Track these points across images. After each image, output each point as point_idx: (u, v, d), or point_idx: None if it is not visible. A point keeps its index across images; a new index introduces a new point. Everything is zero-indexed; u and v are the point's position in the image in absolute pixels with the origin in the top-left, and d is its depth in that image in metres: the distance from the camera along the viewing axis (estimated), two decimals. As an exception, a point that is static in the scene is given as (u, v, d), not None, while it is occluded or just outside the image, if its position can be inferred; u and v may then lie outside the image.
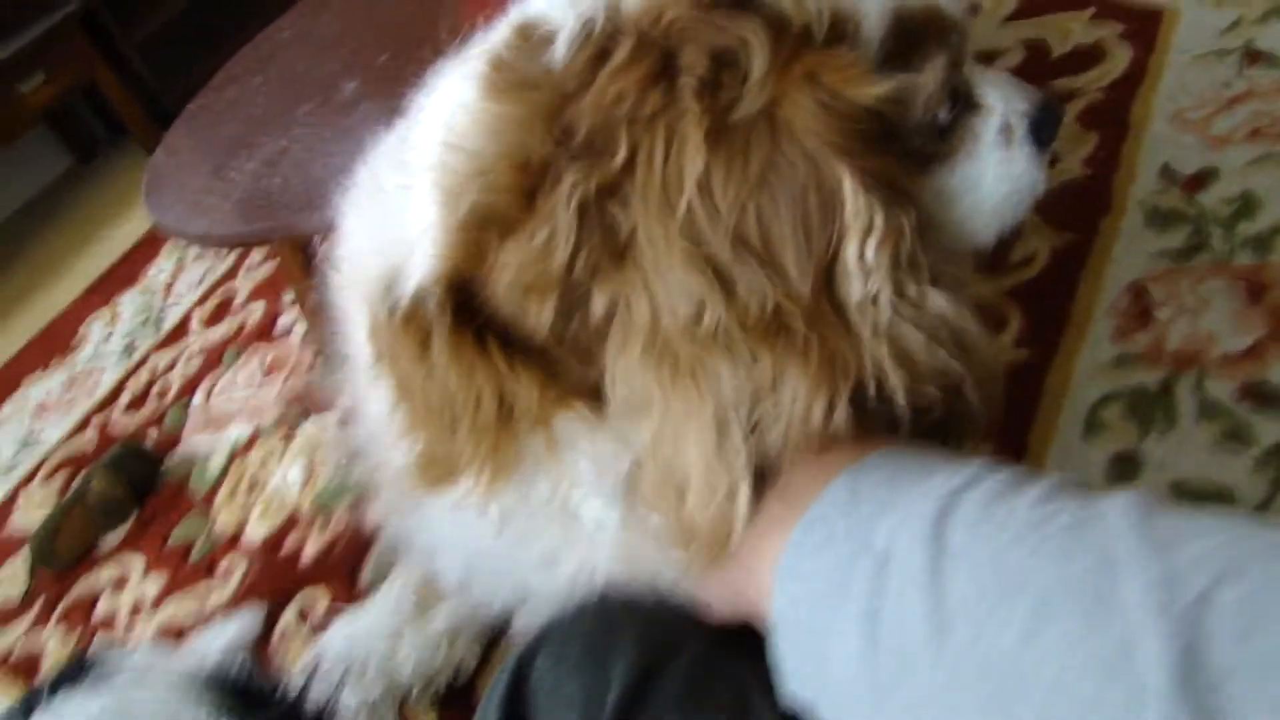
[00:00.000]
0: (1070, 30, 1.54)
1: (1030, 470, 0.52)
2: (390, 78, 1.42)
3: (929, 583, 0.47)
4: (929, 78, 0.61)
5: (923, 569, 0.47)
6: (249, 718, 0.95)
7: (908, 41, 0.61)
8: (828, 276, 0.57)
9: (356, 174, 0.72)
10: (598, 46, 0.58)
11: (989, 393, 0.62)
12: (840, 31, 0.58)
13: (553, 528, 0.70)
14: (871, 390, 0.58)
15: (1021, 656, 0.43)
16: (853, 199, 0.56)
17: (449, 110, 0.62)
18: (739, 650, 0.68)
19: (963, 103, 0.65)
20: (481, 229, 0.60)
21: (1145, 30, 1.47)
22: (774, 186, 0.55)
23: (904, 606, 0.48)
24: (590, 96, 0.57)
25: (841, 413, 0.57)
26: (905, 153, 0.61)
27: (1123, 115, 1.36)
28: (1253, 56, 1.37)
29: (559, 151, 0.57)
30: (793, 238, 0.56)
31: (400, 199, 0.65)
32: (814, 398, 0.57)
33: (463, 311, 0.62)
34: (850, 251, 0.56)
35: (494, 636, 1.15)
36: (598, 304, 0.58)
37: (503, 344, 0.62)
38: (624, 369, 0.58)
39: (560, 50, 0.59)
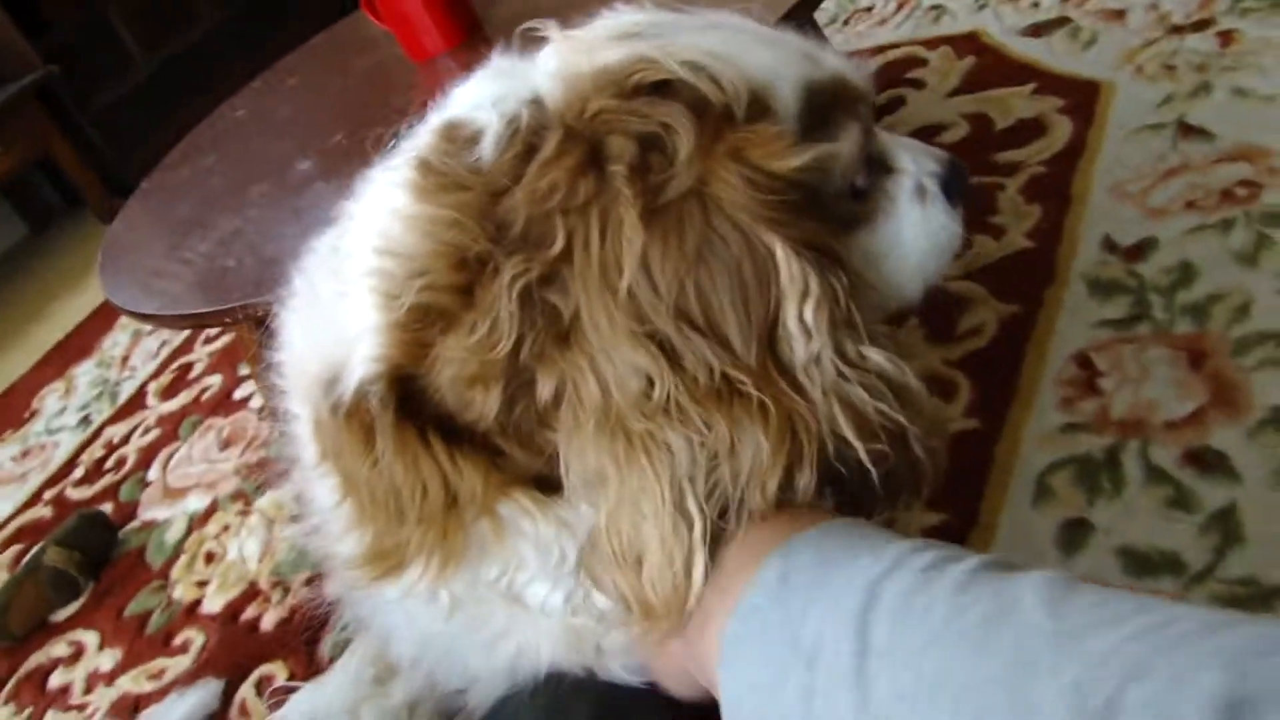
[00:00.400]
0: (1012, 105, 1.59)
1: (952, 551, 0.53)
2: (343, 158, 1.44)
3: (854, 683, 0.48)
4: (845, 145, 0.64)
5: (848, 668, 0.48)
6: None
7: (821, 113, 0.64)
8: (771, 342, 0.59)
9: (292, 282, 0.73)
10: (525, 142, 0.61)
11: (934, 446, 0.64)
12: (759, 108, 0.61)
13: (498, 614, 0.71)
14: (830, 449, 0.59)
15: None
16: (786, 266, 0.58)
17: (380, 216, 0.64)
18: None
19: (877, 167, 0.69)
20: (422, 326, 0.62)
21: (1084, 105, 1.52)
22: (709, 261, 0.58)
23: (833, 708, 0.49)
24: (522, 190, 0.59)
25: (806, 475, 0.59)
26: (829, 218, 0.64)
27: (1064, 188, 1.40)
28: (1185, 130, 1.41)
29: (494, 247, 0.59)
30: (732, 309, 0.58)
31: (337, 305, 0.67)
32: (777, 456, 0.58)
33: (405, 406, 0.64)
34: (790, 316, 0.59)
35: (453, 711, 1.15)
36: (544, 389, 0.60)
37: (444, 436, 0.64)
38: (577, 449, 0.60)
39: (487, 149, 0.62)
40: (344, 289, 0.67)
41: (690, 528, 0.58)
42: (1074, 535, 1.03)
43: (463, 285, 0.60)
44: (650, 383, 0.57)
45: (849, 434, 0.59)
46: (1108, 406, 1.13)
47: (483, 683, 0.77)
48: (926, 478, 0.65)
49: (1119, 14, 1.65)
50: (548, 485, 0.66)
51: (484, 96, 0.65)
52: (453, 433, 0.64)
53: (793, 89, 0.63)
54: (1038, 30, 1.70)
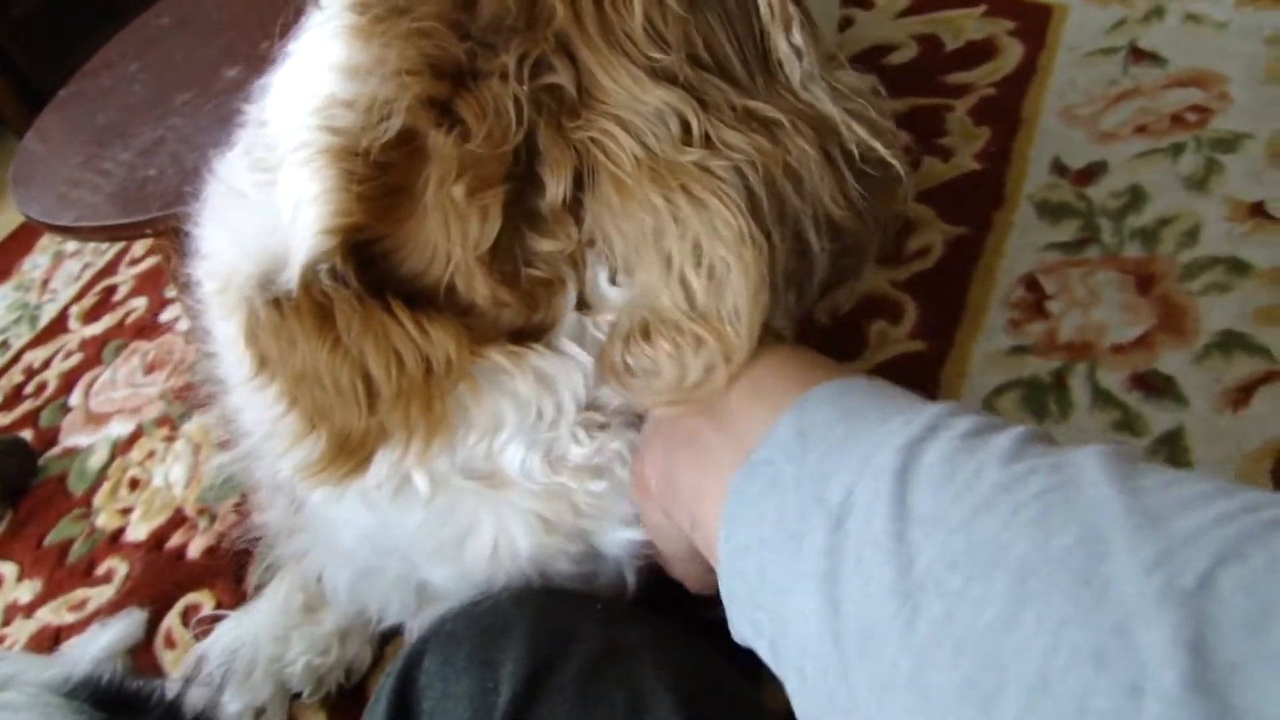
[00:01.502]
0: (962, 27, 1.55)
1: (993, 419, 0.49)
2: (273, 65, 1.37)
3: (893, 548, 0.43)
4: None
5: (884, 531, 0.44)
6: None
7: None
8: (769, 71, 0.61)
9: (206, 193, 0.69)
10: None
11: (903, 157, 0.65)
12: None
13: (466, 502, 0.68)
14: (856, 152, 0.61)
15: (1000, 642, 0.39)
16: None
17: (311, 79, 0.60)
18: (635, 642, 0.66)
19: None
20: (385, 170, 0.58)
21: (1035, 27, 1.49)
22: (700, 7, 0.58)
23: (866, 572, 0.44)
24: None
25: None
26: None
27: (1014, 111, 1.38)
28: (1137, 54, 1.39)
29: (476, 47, 0.57)
30: (730, 45, 0.59)
31: (264, 194, 0.62)
32: (827, 165, 0.60)
33: (362, 276, 0.60)
34: (780, 41, 0.60)
35: (386, 635, 1.12)
36: (557, 183, 0.58)
37: (405, 302, 0.60)
38: (628, 213, 0.58)
39: None
40: (270, 176, 0.62)
41: (769, 237, 0.58)
42: (1020, 458, 1.01)
43: (443, 98, 0.57)
44: (685, 122, 0.57)
45: (864, 134, 0.61)
46: (1055, 329, 1.11)
47: (439, 604, 0.73)
48: (906, 189, 0.65)
49: (1072, -64, 1.62)
50: (521, 339, 0.64)
51: None
52: (412, 300, 0.61)
53: None
54: (990, -49, 1.66)
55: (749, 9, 0.60)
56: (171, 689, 0.97)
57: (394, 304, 0.60)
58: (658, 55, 0.57)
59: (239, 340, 0.65)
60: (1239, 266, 1.09)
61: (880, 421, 0.49)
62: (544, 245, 0.60)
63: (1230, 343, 1.03)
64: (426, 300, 0.61)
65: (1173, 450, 0.97)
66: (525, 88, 0.56)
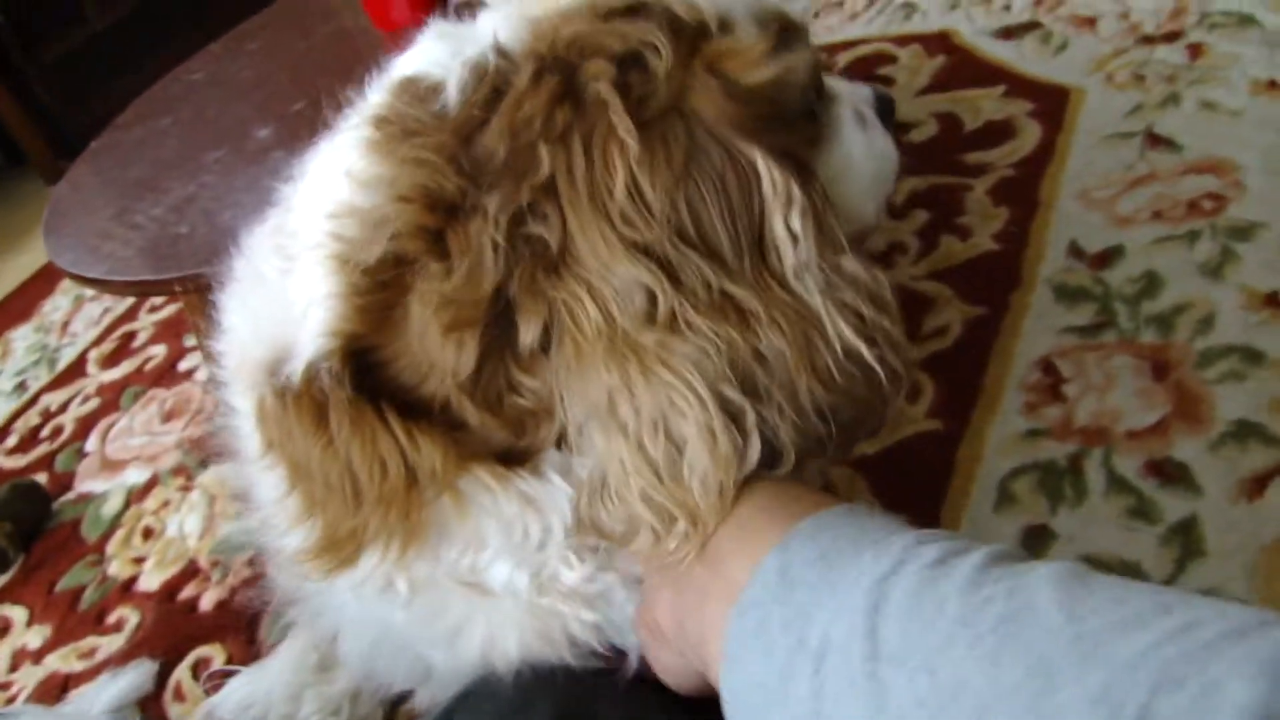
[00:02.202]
0: (982, 107, 1.58)
1: (957, 543, 0.51)
2: (305, 126, 1.39)
3: (866, 687, 0.46)
4: (803, 58, 0.64)
5: (859, 671, 0.47)
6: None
7: (773, 38, 0.64)
8: (761, 252, 0.59)
9: (234, 267, 0.71)
10: (492, 85, 0.59)
11: (906, 356, 0.64)
12: (726, 28, 0.63)
13: (456, 602, 0.68)
14: (839, 350, 0.59)
15: None
16: (767, 175, 0.59)
17: (331, 181, 0.62)
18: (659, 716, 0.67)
19: (823, 93, 0.70)
20: (382, 288, 0.60)
21: (1053, 110, 1.52)
22: (696, 176, 0.57)
23: (844, 713, 0.47)
24: (497, 124, 0.58)
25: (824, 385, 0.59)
26: (795, 136, 0.64)
27: (1032, 192, 1.40)
28: (1153, 140, 1.42)
29: (469, 184, 0.57)
30: (721, 221, 0.58)
31: (281, 283, 0.64)
32: (801, 361, 0.58)
33: (359, 381, 0.61)
34: (777, 224, 0.59)
35: (397, 698, 1.12)
36: (529, 331, 0.58)
37: (400, 412, 0.61)
38: (581, 380, 0.58)
39: (451, 97, 0.60)
40: (289, 265, 0.64)
41: (739, 415, 0.57)
42: (1036, 542, 1.02)
43: (435, 229, 0.58)
44: (653, 299, 0.56)
45: (849, 336, 0.59)
46: (1071, 413, 1.12)
47: (443, 680, 0.74)
48: (902, 387, 0.64)
49: (1090, 21, 1.65)
50: (509, 460, 0.64)
51: (438, 53, 0.63)
52: (408, 409, 0.62)
53: (746, 15, 0.64)
54: (1009, 33, 1.70)
55: (749, 184, 0.59)
56: None
57: (388, 411, 0.60)
58: (639, 225, 0.56)
59: (253, 417, 0.67)
60: (1254, 356, 1.10)
61: (854, 557, 0.52)
62: (524, 380, 0.60)
63: (1245, 432, 1.04)
64: (422, 411, 0.62)
65: (1186, 539, 0.98)
66: (502, 235, 0.56)
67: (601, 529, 0.60)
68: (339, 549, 0.65)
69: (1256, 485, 1.00)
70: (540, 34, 0.60)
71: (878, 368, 0.60)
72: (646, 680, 0.74)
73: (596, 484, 0.59)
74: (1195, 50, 1.52)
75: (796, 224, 0.59)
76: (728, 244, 0.58)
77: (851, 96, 0.73)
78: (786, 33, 0.66)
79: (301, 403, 0.62)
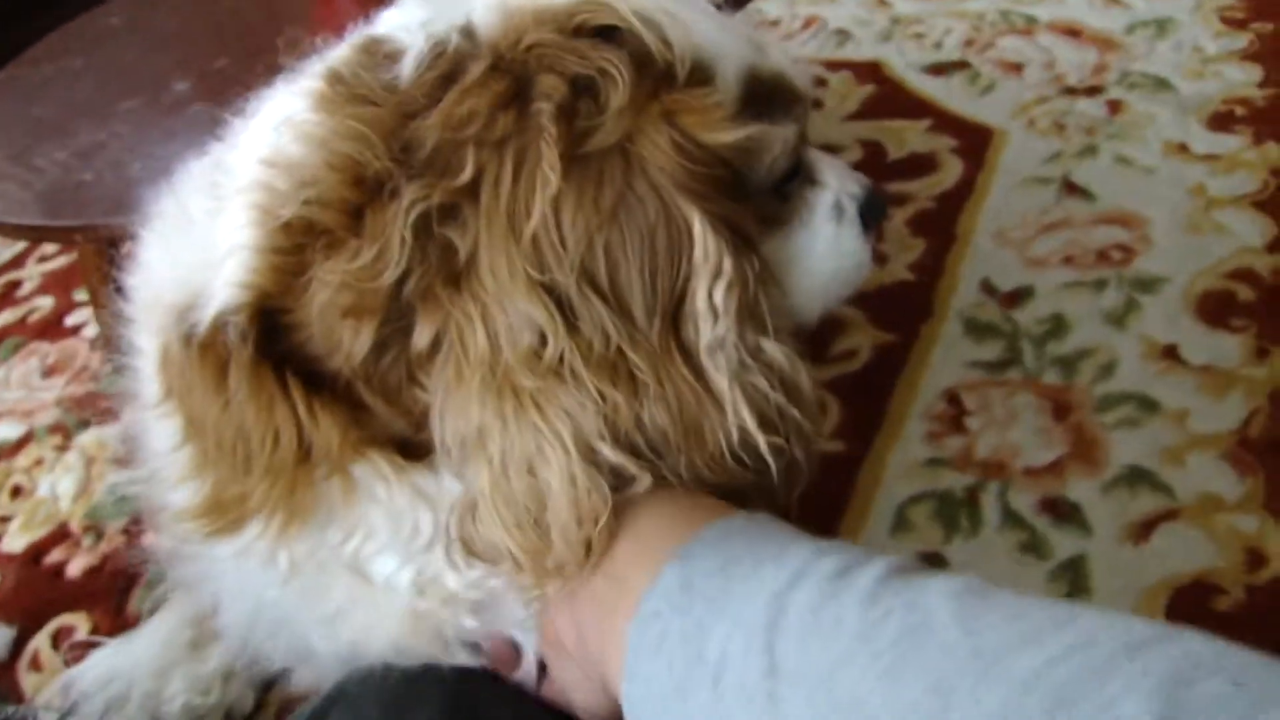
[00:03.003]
0: (906, 138, 1.60)
1: (856, 555, 0.51)
2: (226, 83, 1.35)
3: (764, 707, 0.46)
4: (780, 133, 0.62)
5: (757, 688, 0.46)
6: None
7: (758, 102, 0.62)
8: (675, 319, 0.57)
9: (159, 202, 0.67)
10: (448, 66, 0.57)
11: (813, 449, 0.63)
12: (700, 78, 0.59)
13: (339, 585, 0.66)
14: (735, 437, 0.57)
15: None
16: (702, 241, 0.56)
17: (273, 127, 0.59)
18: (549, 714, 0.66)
19: (802, 174, 0.67)
20: (299, 249, 0.57)
21: (976, 148, 1.54)
22: (623, 222, 0.55)
23: None
24: (437, 114, 0.55)
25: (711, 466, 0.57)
26: (749, 208, 0.62)
27: (950, 226, 1.42)
28: (1070, 187, 1.45)
29: (397, 168, 0.55)
30: (639, 276, 0.55)
31: (207, 224, 0.61)
32: (686, 441, 0.56)
33: (266, 342, 0.59)
34: (700, 294, 0.56)
35: (270, 679, 1.08)
36: (421, 336, 0.56)
37: (305, 383, 0.59)
38: (456, 404, 0.56)
39: (407, 68, 0.58)
40: (218, 205, 0.61)
41: (617, 471, 0.56)
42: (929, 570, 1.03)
43: (354, 204, 0.56)
44: (543, 340, 0.54)
45: (750, 425, 0.57)
46: (972, 446, 1.14)
47: (322, 661, 0.72)
48: (802, 480, 0.63)
49: (1017, 67, 1.69)
50: (409, 450, 0.62)
51: (412, 18, 0.60)
52: (314, 380, 0.60)
53: (736, 70, 0.61)
54: (939, 70, 1.72)
55: (679, 246, 0.56)
56: (43, 718, 0.92)
57: (291, 380, 0.59)
58: (548, 259, 0.54)
59: (154, 361, 0.64)
60: (1150, 404, 1.14)
61: (754, 569, 0.51)
62: (422, 378, 0.58)
63: (1136, 478, 1.07)
64: (326, 385, 0.60)
65: (1075, 576, 1.00)
66: (409, 231, 0.54)
67: (470, 548, 0.58)
68: (223, 513, 0.62)
69: (1144, 529, 1.03)
70: (508, 30, 0.58)
71: (771, 460, 0.58)
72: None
73: (468, 505, 0.57)
74: (1114, 106, 1.57)
75: (719, 298, 0.56)
76: (641, 302, 0.56)
77: (839, 185, 0.69)
78: (778, 99, 0.63)
79: (205, 355, 0.59)
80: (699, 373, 0.57)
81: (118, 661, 1.09)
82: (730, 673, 0.48)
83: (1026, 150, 1.53)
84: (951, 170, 1.52)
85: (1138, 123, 1.52)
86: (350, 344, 0.57)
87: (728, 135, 0.58)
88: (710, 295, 0.56)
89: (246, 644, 0.83)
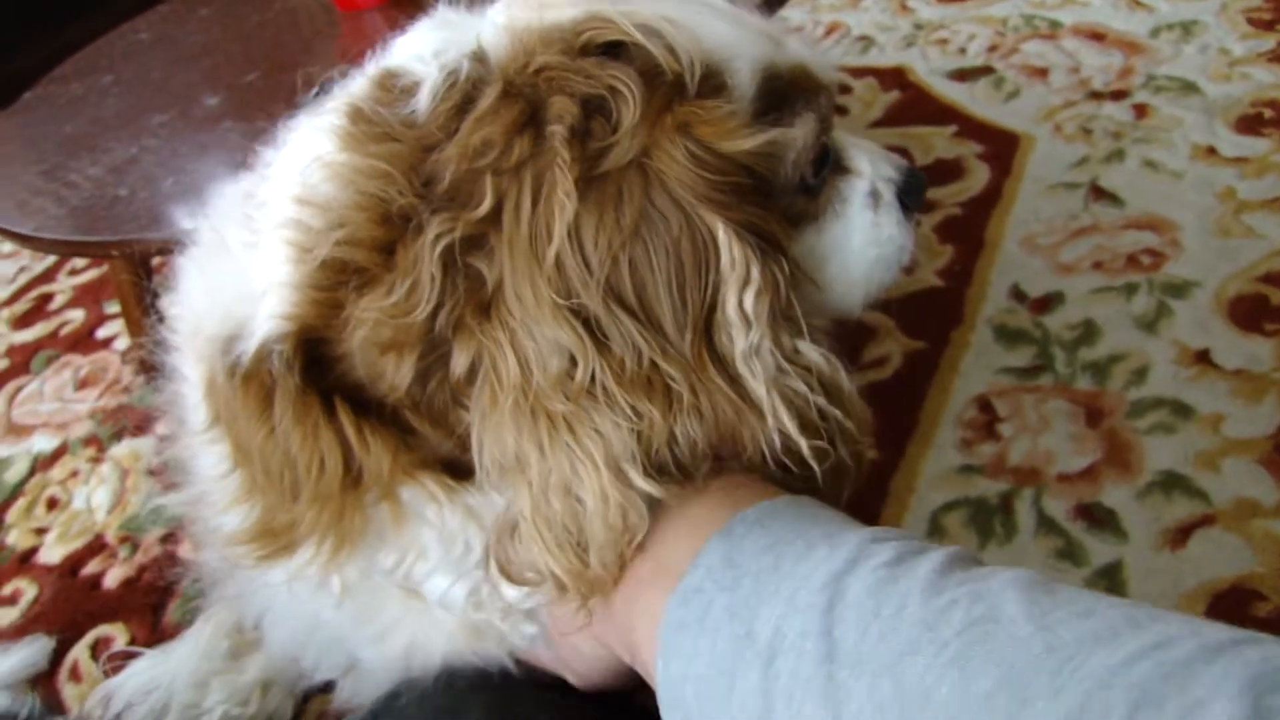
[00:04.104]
0: (933, 144, 1.60)
1: (912, 543, 0.50)
2: (256, 98, 1.36)
3: (823, 690, 0.45)
4: (799, 134, 0.61)
5: (815, 673, 0.45)
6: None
7: (778, 98, 0.61)
8: (707, 329, 0.56)
9: (196, 228, 0.68)
10: (462, 95, 0.57)
11: (861, 449, 0.62)
12: (713, 84, 0.58)
13: (392, 603, 0.66)
14: (777, 443, 0.56)
15: None
16: (727, 249, 0.55)
17: (303, 164, 0.59)
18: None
19: (831, 165, 0.66)
20: (336, 284, 0.57)
21: (1002, 153, 1.54)
22: (646, 238, 0.54)
23: (797, 714, 0.45)
24: (454, 146, 0.55)
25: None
26: (776, 209, 0.61)
27: (978, 232, 1.42)
28: (1097, 192, 1.45)
29: (420, 202, 0.55)
30: (667, 291, 0.55)
31: (245, 256, 0.62)
32: (726, 450, 0.56)
33: (311, 371, 0.59)
34: (729, 303, 0.56)
35: (307, 692, 1.09)
36: (458, 363, 0.56)
37: (353, 408, 0.59)
38: (493, 430, 0.56)
39: (423, 101, 0.57)
40: (255, 239, 0.61)
41: (640, 493, 0.55)
42: (964, 576, 1.03)
43: (384, 242, 0.56)
44: (574, 362, 0.53)
45: (792, 429, 0.56)
46: (1005, 452, 1.14)
47: (369, 675, 0.72)
48: (850, 481, 0.62)
49: (1042, 71, 1.69)
50: (458, 469, 0.62)
51: (425, 47, 0.60)
52: (362, 405, 0.60)
53: (751, 69, 0.60)
54: (963, 75, 1.73)
55: (705, 257, 0.55)
56: None
57: (340, 406, 0.59)
58: (573, 281, 0.53)
59: (200, 388, 0.65)
60: (1183, 410, 1.13)
61: (807, 550, 0.50)
62: (464, 399, 0.58)
63: (1172, 483, 1.07)
64: (375, 410, 0.60)
65: (1111, 583, 1.00)
66: (437, 265, 0.54)
67: (506, 570, 0.58)
68: (273, 539, 0.62)
69: (1180, 535, 1.02)
70: (516, 54, 0.57)
71: (815, 463, 0.57)
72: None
73: (507, 526, 0.58)
74: (1141, 110, 1.56)
75: (750, 305, 0.56)
76: (671, 316, 0.55)
77: (873, 170, 0.67)
78: (799, 92, 0.62)
79: (249, 385, 0.59)
80: (735, 380, 0.56)
81: (157, 672, 1.10)
82: (785, 656, 0.46)
83: (1053, 155, 1.53)
84: (978, 176, 1.52)
85: (1165, 126, 1.52)
86: (393, 375, 0.58)
87: (745, 142, 0.57)
88: (740, 303, 0.56)
89: (290, 658, 0.83)
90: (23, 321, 1.86)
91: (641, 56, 0.57)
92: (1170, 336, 1.22)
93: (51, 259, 2.01)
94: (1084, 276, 1.32)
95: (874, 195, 0.67)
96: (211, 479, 0.66)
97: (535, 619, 0.65)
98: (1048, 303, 1.30)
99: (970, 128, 1.61)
